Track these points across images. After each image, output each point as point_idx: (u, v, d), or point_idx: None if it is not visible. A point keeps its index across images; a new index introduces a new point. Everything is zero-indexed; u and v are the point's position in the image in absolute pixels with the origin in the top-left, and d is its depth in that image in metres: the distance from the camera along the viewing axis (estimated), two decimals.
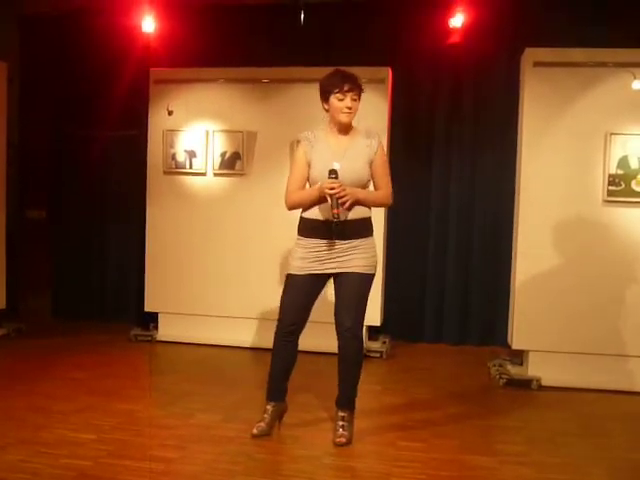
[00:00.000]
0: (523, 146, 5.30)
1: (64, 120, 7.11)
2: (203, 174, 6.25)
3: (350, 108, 3.85)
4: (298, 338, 4.01)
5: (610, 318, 5.14)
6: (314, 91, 5.97)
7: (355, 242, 3.87)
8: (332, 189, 3.71)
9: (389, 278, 6.34)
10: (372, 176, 3.97)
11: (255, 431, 3.97)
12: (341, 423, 3.95)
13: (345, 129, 3.95)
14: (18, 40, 7.15)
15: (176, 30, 6.25)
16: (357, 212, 3.87)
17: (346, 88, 3.83)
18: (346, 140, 3.93)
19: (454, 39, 5.83)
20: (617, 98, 5.10)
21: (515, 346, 5.37)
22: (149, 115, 6.36)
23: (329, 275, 3.94)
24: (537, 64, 5.21)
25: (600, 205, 5.16)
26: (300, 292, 3.93)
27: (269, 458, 3.75)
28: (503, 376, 5.30)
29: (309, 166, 3.93)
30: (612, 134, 5.08)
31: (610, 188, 5.11)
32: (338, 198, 3.72)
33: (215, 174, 6.24)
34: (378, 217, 5.93)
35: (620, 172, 5.09)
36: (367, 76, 5.81)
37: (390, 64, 6.06)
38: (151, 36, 6.14)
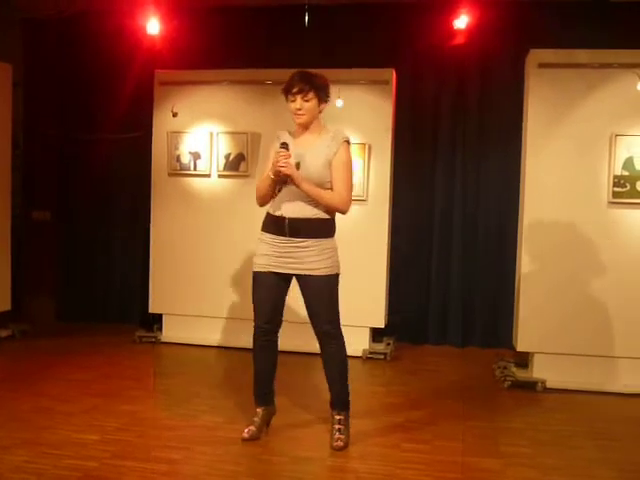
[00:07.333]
0: (528, 147, 5.29)
1: (69, 122, 7.12)
2: (207, 176, 6.25)
3: (299, 109, 3.78)
4: (276, 339, 4.02)
5: (616, 320, 5.12)
6: None
7: (309, 242, 3.80)
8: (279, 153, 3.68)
9: (393, 279, 6.32)
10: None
11: (246, 435, 3.96)
12: (337, 427, 3.93)
13: (311, 129, 3.87)
14: (22, 43, 7.15)
15: (181, 32, 6.26)
16: (311, 211, 3.80)
17: (294, 90, 3.75)
18: (312, 139, 3.86)
19: (458, 40, 5.83)
20: (622, 99, 5.09)
21: (520, 348, 5.36)
22: (154, 117, 6.36)
23: (291, 275, 3.90)
24: (542, 65, 5.21)
25: (605, 206, 5.14)
26: (266, 289, 3.94)
27: (272, 459, 3.75)
28: (508, 378, 5.28)
29: None
30: (617, 135, 5.07)
31: (615, 189, 5.09)
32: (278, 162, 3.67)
33: (219, 176, 6.23)
34: (382, 218, 5.95)
35: (625, 173, 5.08)
36: (371, 77, 5.86)
37: (394, 65, 6.06)
38: (156, 38, 6.16)
